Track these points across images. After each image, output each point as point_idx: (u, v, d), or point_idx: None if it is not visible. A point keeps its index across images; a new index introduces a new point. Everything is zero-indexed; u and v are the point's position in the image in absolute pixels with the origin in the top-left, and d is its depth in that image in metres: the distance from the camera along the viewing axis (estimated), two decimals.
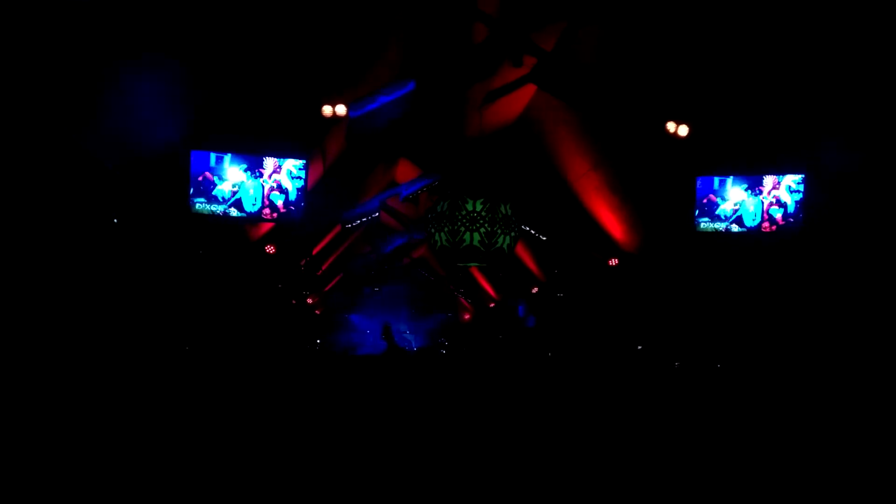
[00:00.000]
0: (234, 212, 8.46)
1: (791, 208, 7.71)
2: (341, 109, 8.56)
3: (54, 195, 6.50)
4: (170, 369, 8.53)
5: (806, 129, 7.53)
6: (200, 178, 8.31)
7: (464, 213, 10.45)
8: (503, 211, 10.59)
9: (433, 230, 10.89)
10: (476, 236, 10.48)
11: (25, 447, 4.76)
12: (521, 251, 15.87)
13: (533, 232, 13.75)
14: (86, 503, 4.17)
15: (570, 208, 12.03)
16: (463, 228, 10.48)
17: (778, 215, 7.81)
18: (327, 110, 8.50)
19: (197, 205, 8.31)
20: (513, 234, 10.79)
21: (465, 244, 10.53)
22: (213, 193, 8.35)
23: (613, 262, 12.29)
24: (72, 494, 4.23)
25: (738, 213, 8.15)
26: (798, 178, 7.70)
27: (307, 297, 19.51)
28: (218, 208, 8.40)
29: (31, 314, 6.21)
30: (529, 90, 10.20)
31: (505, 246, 10.74)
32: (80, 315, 6.95)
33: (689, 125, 8.15)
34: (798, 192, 7.66)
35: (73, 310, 6.86)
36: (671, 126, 8.17)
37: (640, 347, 11.95)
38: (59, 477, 4.42)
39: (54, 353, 6.40)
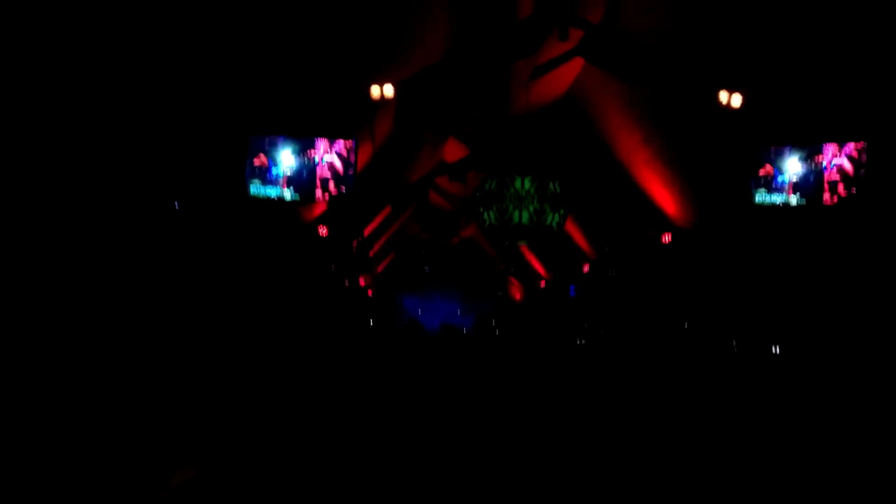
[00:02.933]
0: (288, 194, 8.65)
1: (854, 178, 7.39)
2: (389, 90, 8.61)
3: (119, 183, 6.78)
4: (230, 350, 8.84)
5: (867, 94, 7.21)
6: (256, 162, 8.51)
7: (512, 191, 10.46)
8: (552, 188, 10.56)
9: (482, 209, 10.93)
10: (525, 214, 10.49)
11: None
12: (572, 228, 15.74)
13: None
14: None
15: (620, 184, 11.85)
16: (511, 206, 10.50)
17: (840, 186, 7.51)
18: (375, 91, 8.56)
19: (252, 188, 8.52)
20: (562, 211, 10.75)
21: (513, 222, 10.55)
22: (268, 176, 8.55)
23: (667, 238, 12.07)
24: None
25: (796, 185, 7.88)
26: (860, 146, 7.37)
27: (359, 277, 19.80)
28: (273, 191, 8.59)
29: (99, 296, 6.51)
30: (577, 64, 10.05)
31: (554, 224, 10.72)
32: (143, 299, 7.25)
33: (742, 94, 7.90)
34: (860, 160, 7.34)
35: (137, 293, 7.16)
36: (724, 96, 7.94)
37: (687, 326, 11.75)
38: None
39: (125, 332, 6.71)
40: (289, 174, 8.61)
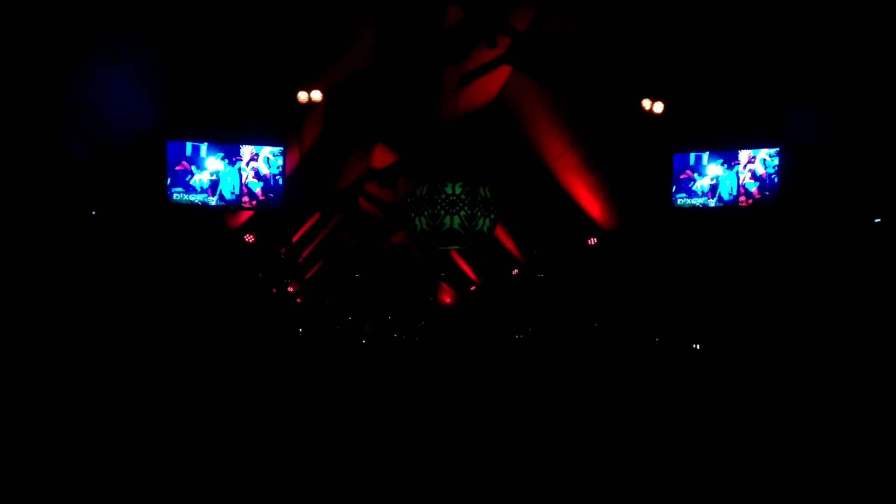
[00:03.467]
0: (212, 201, 8.40)
1: (767, 181, 7.83)
2: (317, 95, 8.50)
3: (32, 190, 6.41)
4: (151, 360, 8.48)
5: (780, 102, 7.64)
6: (178, 168, 8.22)
7: (443, 196, 10.50)
8: (482, 193, 10.66)
9: (413, 214, 10.92)
10: (456, 219, 10.55)
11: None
12: (501, 233, 15.94)
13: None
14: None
15: (548, 189, 12.08)
16: (443, 212, 10.54)
17: (754, 189, 7.93)
18: (303, 96, 8.44)
19: (175, 195, 8.23)
20: (493, 216, 10.87)
21: (445, 227, 10.59)
22: (191, 183, 8.27)
23: (592, 240, 12.39)
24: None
25: (714, 189, 8.26)
26: (773, 150, 7.82)
27: (288, 285, 19.42)
28: (196, 198, 8.32)
29: (10, 308, 6.13)
30: (504, 71, 10.19)
31: (485, 228, 10.83)
32: (59, 307, 6.88)
33: (664, 102, 8.23)
34: (773, 165, 7.78)
35: (52, 302, 6.79)
36: (647, 103, 8.24)
37: (612, 323, 12.10)
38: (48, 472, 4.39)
39: (34, 345, 6.34)
40: (213, 180, 8.36)
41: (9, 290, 6.05)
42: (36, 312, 6.40)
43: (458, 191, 10.38)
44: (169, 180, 8.18)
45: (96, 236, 7.65)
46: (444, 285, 26.92)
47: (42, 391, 5.89)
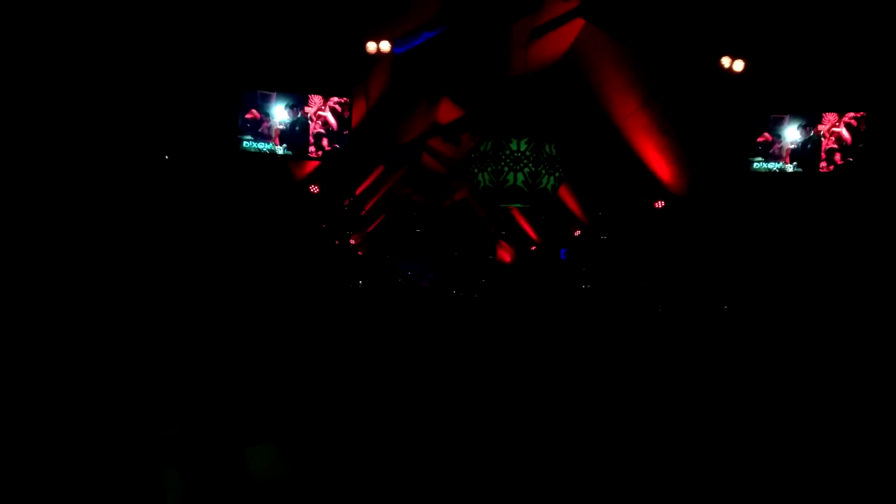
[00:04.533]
0: (280, 150, 8.53)
1: (851, 147, 7.38)
2: (385, 45, 8.43)
3: (105, 135, 6.65)
4: (220, 309, 8.81)
5: (868, 65, 7.15)
6: (248, 117, 8.37)
7: (507, 152, 10.34)
8: (548, 151, 10.44)
9: (476, 170, 10.82)
10: (520, 176, 10.39)
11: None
12: (565, 193, 15.70)
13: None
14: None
15: (616, 149, 11.77)
16: (507, 168, 10.39)
17: (837, 155, 7.50)
18: (371, 47, 8.38)
19: (244, 142, 8.39)
20: (557, 174, 10.66)
21: (508, 184, 10.46)
22: (260, 131, 8.42)
23: (659, 204, 12.06)
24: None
25: (794, 153, 7.85)
26: (859, 115, 7.35)
27: (350, 237, 19.73)
28: (265, 146, 8.47)
29: (86, 245, 6.44)
30: (577, 25, 9.87)
31: (549, 187, 10.63)
32: (130, 246, 7.18)
33: (744, 60, 7.81)
34: (860, 130, 7.32)
35: (125, 241, 7.09)
36: (726, 61, 7.83)
37: (679, 292, 11.82)
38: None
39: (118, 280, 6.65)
40: (282, 129, 8.49)
41: (80, 229, 6.34)
42: (107, 254, 6.70)
43: (522, 147, 10.20)
44: (240, 128, 8.35)
45: (169, 178, 7.92)
46: (504, 244, 26.83)
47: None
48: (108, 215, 6.76)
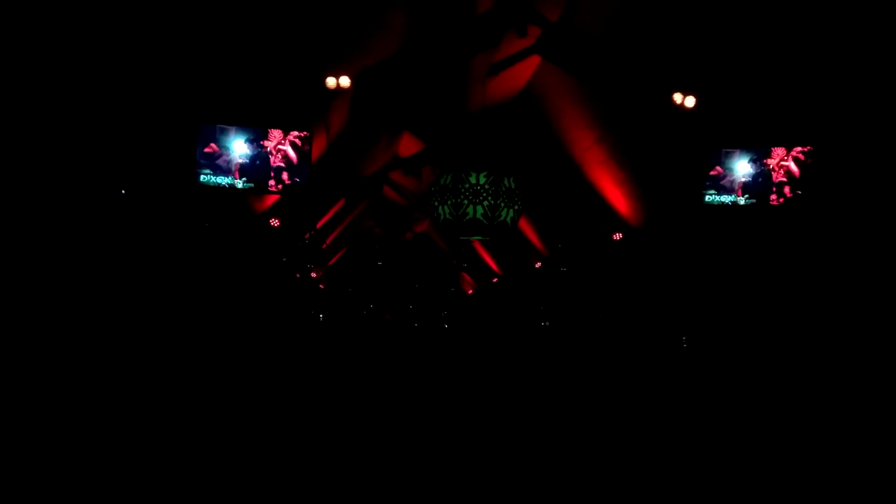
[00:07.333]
0: (239, 184, 8.45)
1: (799, 180, 7.66)
2: (345, 81, 8.49)
3: (64, 171, 6.50)
4: (176, 342, 8.59)
5: (816, 99, 7.45)
6: (206, 150, 8.28)
7: (467, 186, 10.43)
8: (507, 184, 10.56)
9: (437, 203, 10.88)
10: (479, 209, 10.48)
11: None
12: (525, 225, 15.87)
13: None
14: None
15: (574, 182, 11.97)
16: (466, 202, 10.47)
17: (786, 188, 7.76)
18: (331, 82, 8.43)
19: (202, 176, 8.29)
20: (516, 207, 10.78)
21: (468, 217, 10.53)
22: (219, 164, 8.33)
23: (617, 236, 12.27)
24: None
25: (745, 186, 8.10)
26: (806, 149, 7.64)
27: (311, 270, 19.55)
28: (224, 180, 8.38)
29: (41, 289, 6.24)
30: (534, 62, 10.10)
31: (508, 219, 10.74)
32: (86, 288, 6.98)
33: (696, 96, 8.08)
34: (807, 163, 7.60)
35: (80, 284, 6.89)
36: (678, 97, 8.09)
37: (635, 321, 11.98)
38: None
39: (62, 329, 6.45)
40: (241, 163, 8.42)
41: (32, 265, 6.15)
42: (59, 289, 6.50)
43: (482, 180, 10.30)
44: (198, 162, 8.25)
45: (125, 213, 7.76)
46: (466, 276, 26.90)
47: (58, 377, 5.99)
48: (59, 251, 6.58)
